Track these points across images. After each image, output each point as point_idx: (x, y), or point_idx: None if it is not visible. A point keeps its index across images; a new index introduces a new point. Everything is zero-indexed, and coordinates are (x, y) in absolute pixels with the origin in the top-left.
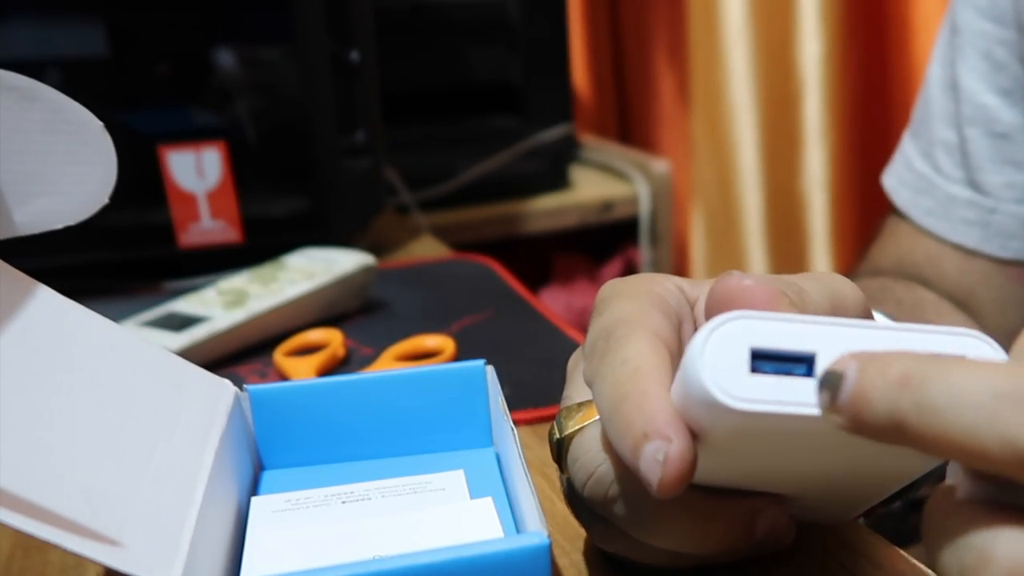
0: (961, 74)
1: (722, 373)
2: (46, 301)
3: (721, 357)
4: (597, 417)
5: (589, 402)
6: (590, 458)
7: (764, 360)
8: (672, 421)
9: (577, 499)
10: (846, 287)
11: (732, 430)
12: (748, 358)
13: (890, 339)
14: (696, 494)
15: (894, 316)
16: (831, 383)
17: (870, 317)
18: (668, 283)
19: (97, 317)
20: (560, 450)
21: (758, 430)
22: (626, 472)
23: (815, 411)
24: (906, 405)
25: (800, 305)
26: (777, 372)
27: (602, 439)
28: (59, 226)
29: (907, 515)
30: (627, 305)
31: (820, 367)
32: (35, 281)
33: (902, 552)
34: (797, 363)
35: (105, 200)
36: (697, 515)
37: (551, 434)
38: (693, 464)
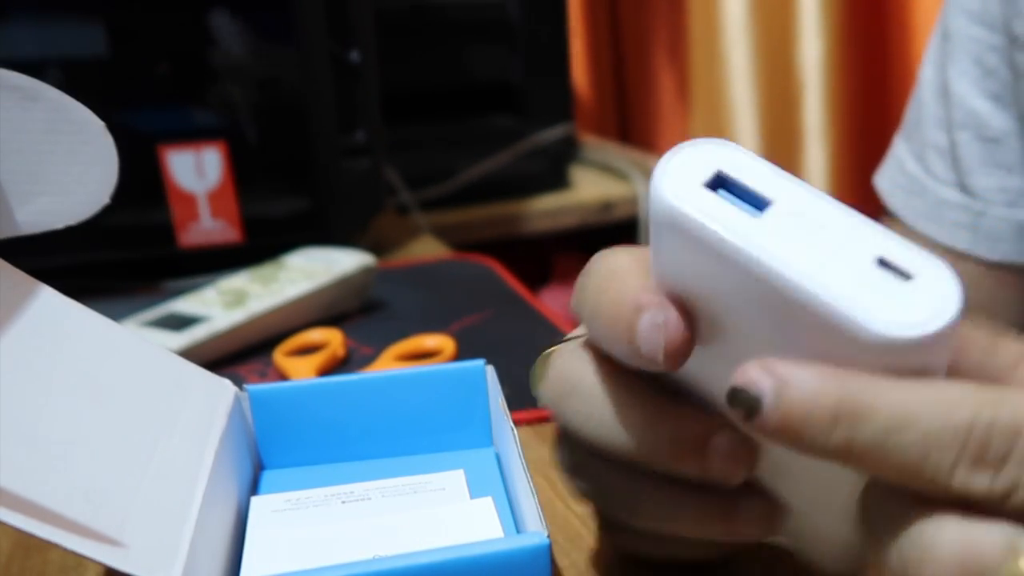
0: (952, 79)
1: (680, 181)
2: (46, 301)
3: (687, 169)
4: (570, 337)
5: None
6: (558, 366)
7: (724, 186)
8: (660, 295)
9: (561, 442)
10: None
11: (679, 252)
12: (709, 177)
13: (845, 227)
14: (651, 390)
15: None
16: (744, 403)
17: None
18: None
19: (97, 317)
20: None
21: (705, 266)
22: (586, 368)
23: (741, 244)
24: (836, 440)
25: None
26: (728, 198)
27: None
28: (60, 226)
29: None
30: (611, 256)
31: (773, 211)
32: (36, 280)
33: None
34: (751, 200)
35: (107, 200)
36: (649, 412)
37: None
38: (691, 331)
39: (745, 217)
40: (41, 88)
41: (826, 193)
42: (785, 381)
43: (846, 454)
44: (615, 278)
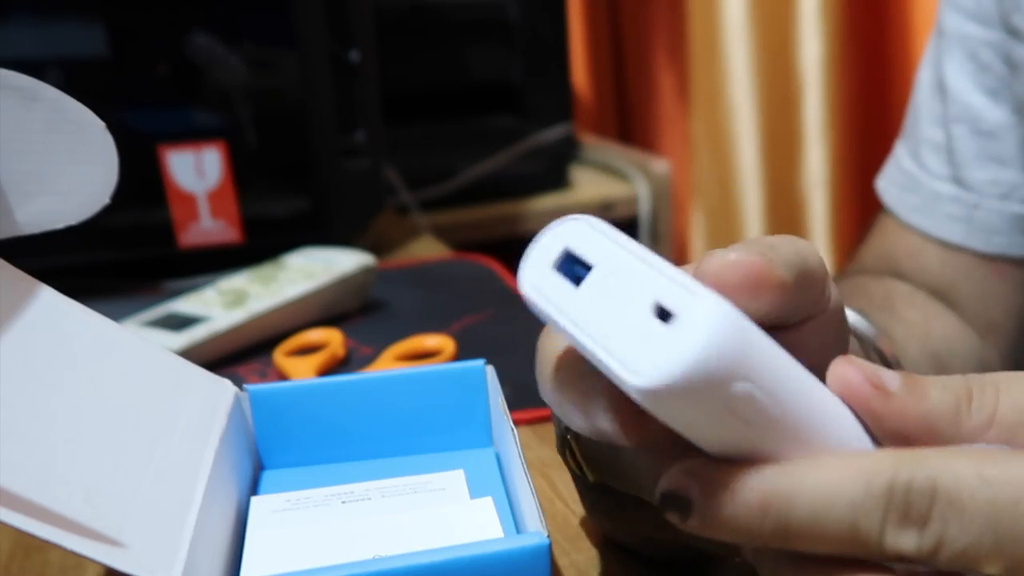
0: (948, 74)
1: (534, 266)
2: (47, 301)
3: (543, 252)
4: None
5: None
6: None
7: (569, 263)
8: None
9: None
10: (812, 255)
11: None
12: (557, 256)
13: (638, 278)
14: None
15: (864, 310)
16: (676, 505)
17: (824, 280)
18: None
19: (97, 316)
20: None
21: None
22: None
23: (556, 317)
24: (769, 529)
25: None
26: (567, 275)
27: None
28: (60, 226)
29: None
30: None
31: (590, 278)
32: (36, 280)
33: None
34: (580, 272)
35: (106, 200)
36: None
37: None
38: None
39: (568, 290)
40: (41, 88)
41: (826, 191)
42: (709, 483)
43: (783, 539)
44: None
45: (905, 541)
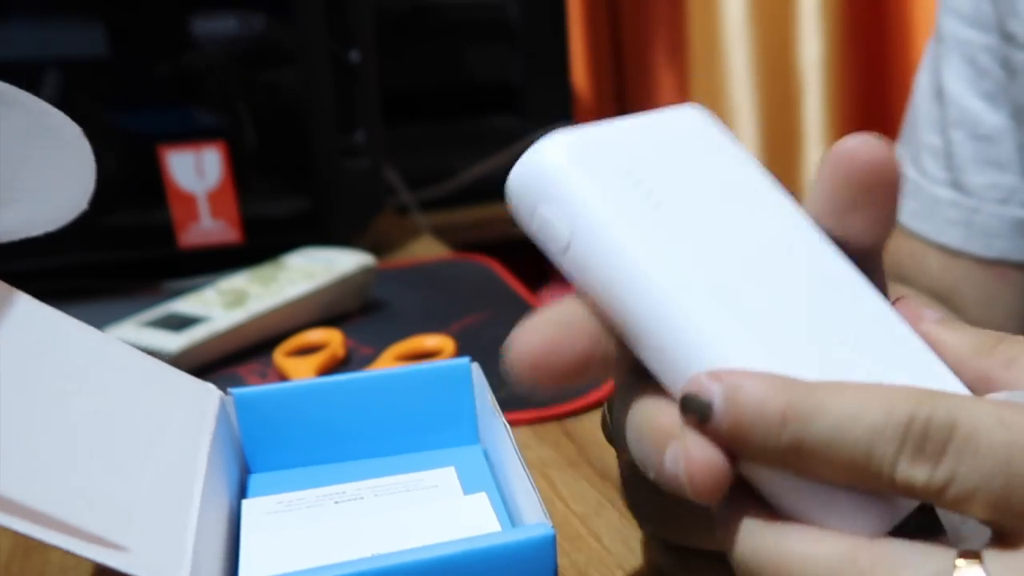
0: (946, 79)
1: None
2: (27, 309)
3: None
4: None
5: None
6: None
7: None
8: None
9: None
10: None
11: None
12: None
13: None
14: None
15: None
16: (696, 409)
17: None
18: None
19: (79, 324)
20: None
21: None
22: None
23: None
24: (785, 442)
25: None
26: None
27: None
28: (38, 232)
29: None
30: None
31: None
32: (14, 288)
33: None
34: None
35: (84, 205)
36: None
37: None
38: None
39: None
40: (16, 93)
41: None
42: (735, 386)
43: (795, 454)
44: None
45: (916, 474)
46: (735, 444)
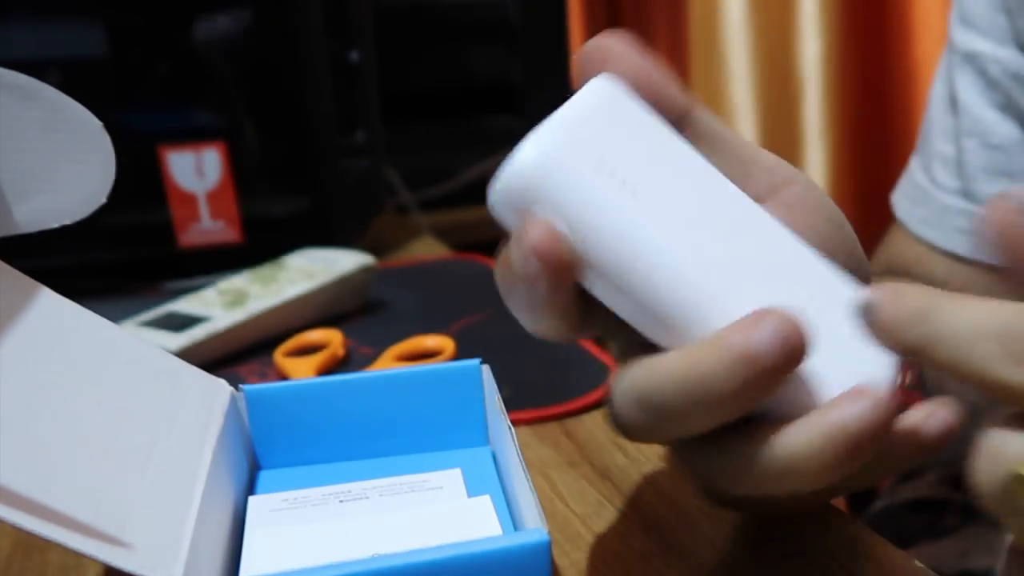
0: (959, 89)
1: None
2: (45, 301)
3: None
4: None
5: None
6: None
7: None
8: None
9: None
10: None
11: None
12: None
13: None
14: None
15: None
16: (869, 311)
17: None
18: None
19: (95, 317)
20: None
21: None
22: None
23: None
24: (916, 336)
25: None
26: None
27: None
28: (58, 224)
29: (908, 515)
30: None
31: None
32: (34, 281)
33: (902, 552)
34: None
35: (103, 199)
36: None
37: None
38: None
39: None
40: (39, 87)
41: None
42: (893, 292)
43: (929, 350)
44: None
45: (1016, 376)
46: (884, 338)
